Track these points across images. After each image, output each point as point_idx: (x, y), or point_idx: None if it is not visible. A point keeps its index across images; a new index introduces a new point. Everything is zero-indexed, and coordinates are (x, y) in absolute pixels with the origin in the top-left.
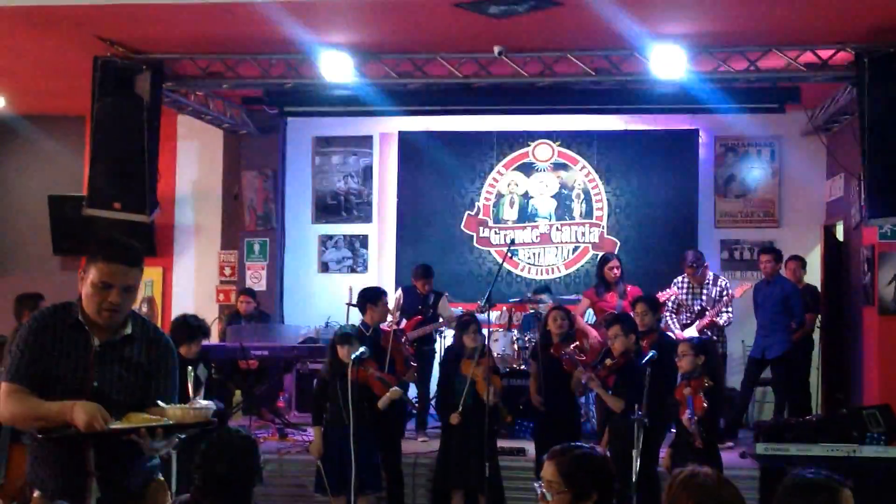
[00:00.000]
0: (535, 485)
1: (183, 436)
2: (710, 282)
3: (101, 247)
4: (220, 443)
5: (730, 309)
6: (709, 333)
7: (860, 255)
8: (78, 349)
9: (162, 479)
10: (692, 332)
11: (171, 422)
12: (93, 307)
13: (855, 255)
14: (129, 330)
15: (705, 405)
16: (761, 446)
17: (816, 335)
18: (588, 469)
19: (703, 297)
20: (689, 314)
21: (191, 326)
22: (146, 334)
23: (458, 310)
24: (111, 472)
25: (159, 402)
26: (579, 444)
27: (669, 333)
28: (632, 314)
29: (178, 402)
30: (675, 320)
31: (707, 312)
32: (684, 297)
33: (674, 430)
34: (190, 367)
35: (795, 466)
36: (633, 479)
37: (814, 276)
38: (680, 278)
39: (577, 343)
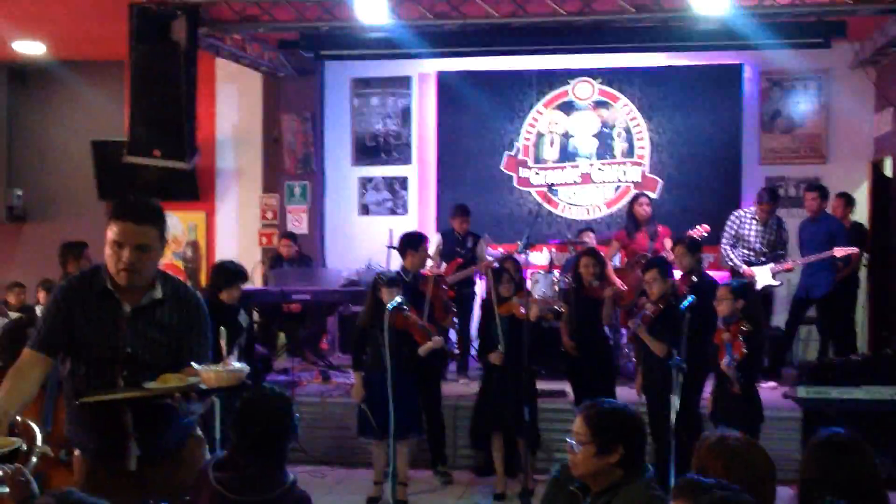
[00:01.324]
0: (568, 439)
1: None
2: (775, 222)
3: (115, 206)
4: (255, 402)
5: (806, 261)
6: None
7: None
8: (109, 316)
9: (200, 433)
10: (766, 272)
11: (204, 386)
12: (112, 267)
13: None
14: (158, 294)
15: (744, 350)
16: (802, 389)
17: (863, 274)
18: (614, 423)
19: (768, 237)
20: (748, 251)
21: (228, 271)
22: (176, 295)
23: (497, 251)
24: (149, 431)
25: (193, 364)
26: (611, 400)
27: (736, 268)
28: (664, 254)
29: (213, 359)
30: (736, 254)
31: (782, 256)
32: (749, 233)
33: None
34: (222, 329)
35: (837, 410)
36: (672, 423)
37: (861, 213)
38: (744, 212)
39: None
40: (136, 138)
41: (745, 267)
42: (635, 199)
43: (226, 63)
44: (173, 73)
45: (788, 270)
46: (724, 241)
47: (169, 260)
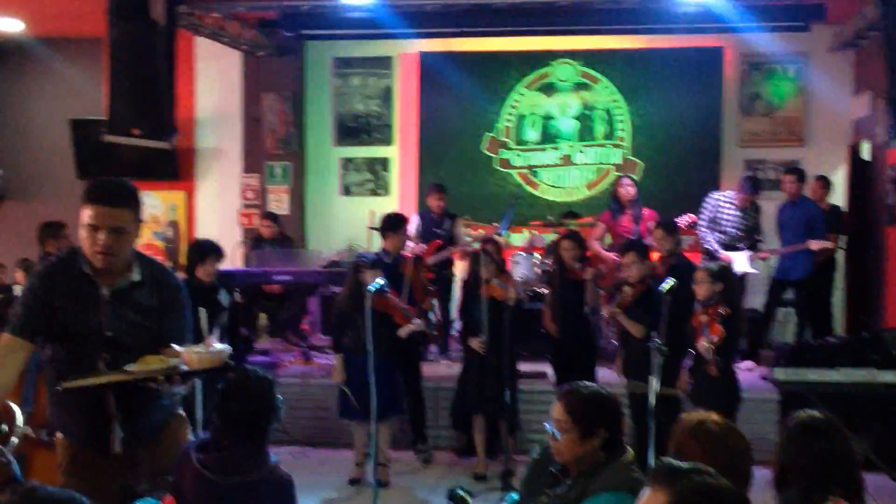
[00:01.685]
0: (546, 425)
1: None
2: (752, 208)
3: (89, 189)
4: (238, 383)
5: (784, 252)
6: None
7: (885, 174)
8: (87, 299)
9: (182, 413)
10: (744, 259)
11: (186, 367)
12: (87, 250)
13: (880, 174)
14: (136, 276)
15: (722, 333)
16: (780, 371)
17: (840, 256)
18: (595, 408)
19: (745, 222)
20: (724, 235)
21: (201, 247)
22: (154, 276)
23: (476, 232)
24: (132, 413)
25: (174, 346)
26: (587, 382)
27: (714, 252)
28: (648, 239)
29: (194, 341)
30: (714, 237)
31: (762, 245)
32: (725, 217)
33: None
34: (202, 309)
35: (814, 392)
36: (651, 405)
37: (839, 196)
38: (722, 196)
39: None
40: (115, 117)
41: (722, 251)
42: (619, 180)
43: (205, 42)
44: (152, 51)
45: (764, 259)
46: (701, 223)
47: (149, 240)
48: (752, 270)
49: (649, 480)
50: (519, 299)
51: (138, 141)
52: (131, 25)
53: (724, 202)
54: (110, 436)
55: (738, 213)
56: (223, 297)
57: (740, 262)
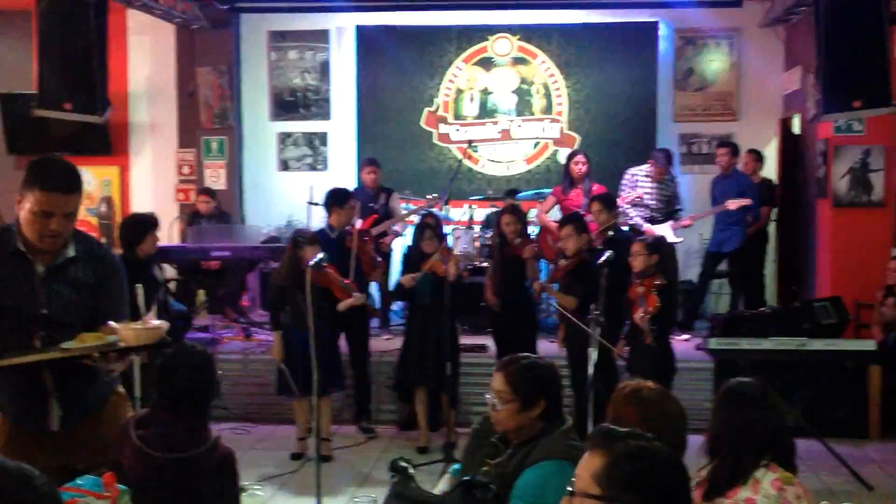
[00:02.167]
0: (487, 396)
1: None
2: (668, 178)
3: (38, 174)
4: (177, 358)
5: (701, 217)
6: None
7: (815, 148)
8: (22, 277)
9: (122, 390)
10: (667, 230)
11: (123, 344)
12: (34, 234)
13: (810, 148)
14: (71, 252)
15: (657, 303)
16: (714, 341)
17: (772, 228)
18: (535, 378)
19: (663, 192)
20: (645, 208)
21: (137, 221)
22: (90, 252)
23: (408, 206)
24: (70, 390)
25: (111, 322)
26: (526, 354)
27: (637, 226)
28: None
29: (132, 317)
30: (639, 213)
31: (682, 214)
32: (642, 190)
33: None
34: (139, 285)
35: (747, 360)
36: (590, 375)
37: (770, 169)
38: (639, 170)
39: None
40: (45, 91)
41: (646, 225)
42: (572, 156)
43: (138, 14)
44: (83, 24)
45: (686, 226)
46: (622, 200)
47: (83, 216)
48: (677, 239)
49: (588, 445)
50: (460, 275)
51: (70, 115)
52: None
53: (641, 176)
54: (48, 414)
55: (654, 184)
56: (157, 273)
57: (664, 233)
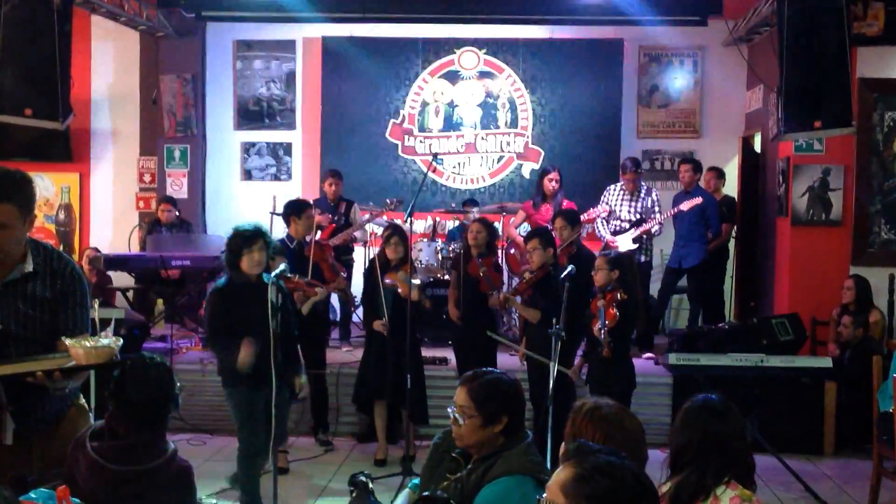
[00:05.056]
0: (449, 409)
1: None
2: (644, 191)
3: None
4: (134, 371)
5: (661, 219)
6: (644, 238)
7: (776, 166)
8: None
9: (82, 402)
10: (627, 238)
11: (72, 362)
12: None
13: (771, 166)
14: (29, 266)
15: (616, 317)
16: (673, 356)
17: (732, 245)
18: (498, 394)
19: (636, 206)
20: (619, 221)
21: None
22: (50, 266)
23: (366, 216)
24: (24, 403)
25: (64, 339)
26: (490, 369)
27: (600, 237)
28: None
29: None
30: (605, 227)
31: (645, 221)
32: (618, 204)
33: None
34: (97, 300)
35: (705, 376)
36: (550, 389)
37: (731, 186)
38: (614, 186)
39: (490, 262)
40: (6, 96)
41: (608, 236)
42: (546, 173)
43: (102, 20)
44: (46, 29)
45: (647, 232)
46: (599, 214)
47: (41, 223)
48: (635, 246)
49: (561, 459)
50: (420, 302)
51: (30, 121)
52: (25, 1)
53: (615, 191)
54: (1, 426)
55: (628, 196)
56: None
57: (624, 242)
